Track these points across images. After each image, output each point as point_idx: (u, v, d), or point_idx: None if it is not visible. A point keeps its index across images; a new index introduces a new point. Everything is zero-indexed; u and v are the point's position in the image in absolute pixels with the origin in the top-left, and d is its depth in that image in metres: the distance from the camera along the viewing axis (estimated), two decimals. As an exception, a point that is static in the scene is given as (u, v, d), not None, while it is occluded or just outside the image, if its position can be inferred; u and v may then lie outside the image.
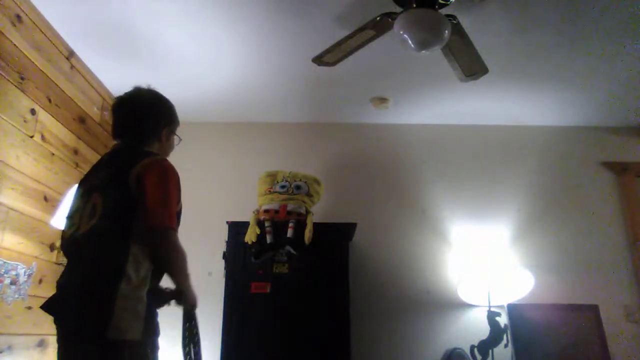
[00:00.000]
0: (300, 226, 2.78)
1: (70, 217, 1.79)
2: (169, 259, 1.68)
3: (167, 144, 1.97)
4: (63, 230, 1.81)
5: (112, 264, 1.61)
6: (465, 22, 2.24)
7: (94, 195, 1.71)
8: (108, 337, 1.51)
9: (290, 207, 2.85)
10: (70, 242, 1.73)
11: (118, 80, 3.03)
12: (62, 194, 2.63)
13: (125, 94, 1.95)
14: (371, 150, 3.59)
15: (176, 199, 1.76)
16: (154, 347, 1.70)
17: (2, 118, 2.18)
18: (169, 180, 1.73)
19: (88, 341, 1.56)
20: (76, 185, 1.89)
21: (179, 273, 1.70)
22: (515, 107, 3.36)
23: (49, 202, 2.53)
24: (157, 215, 1.66)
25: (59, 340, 1.66)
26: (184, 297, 1.72)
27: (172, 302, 1.75)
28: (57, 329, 1.66)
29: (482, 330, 2.92)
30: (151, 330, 1.68)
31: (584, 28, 2.50)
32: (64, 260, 1.76)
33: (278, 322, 2.72)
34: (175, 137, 2.01)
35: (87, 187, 1.79)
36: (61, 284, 1.71)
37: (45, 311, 1.67)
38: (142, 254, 1.65)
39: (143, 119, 1.89)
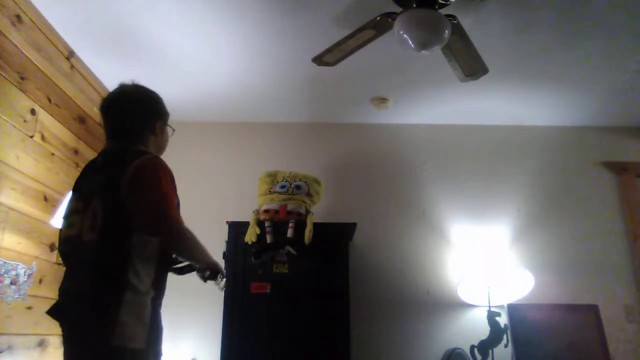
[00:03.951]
0: (300, 226, 2.78)
1: (67, 218, 1.77)
2: (186, 249, 1.72)
3: (162, 137, 1.95)
4: (60, 231, 1.80)
5: (116, 273, 1.60)
6: (465, 22, 2.24)
7: (94, 201, 1.69)
8: (113, 344, 1.52)
9: (290, 207, 2.85)
10: (72, 247, 1.72)
11: (118, 80, 2.99)
12: (62, 194, 2.62)
13: (112, 93, 1.93)
14: (371, 150, 3.59)
15: (173, 194, 1.74)
16: (157, 355, 1.70)
17: (2, 118, 2.18)
18: (162, 178, 1.71)
19: (93, 347, 1.57)
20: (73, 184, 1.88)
21: (201, 257, 1.77)
22: (515, 107, 3.36)
23: (49, 202, 2.53)
24: (160, 213, 1.64)
25: (64, 343, 1.66)
26: (214, 271, 1.80)
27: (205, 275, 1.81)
28: (63, 333, 1.67)
29: (482, 330, 2.92)
30: (155, 338, 1.67)
31: (583, 28, 2.50)
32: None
33: (278, 322, 2.72)
34: (169, 128, 1.99)
35: (85, 190, 1.77)
36: (65, 290, 1.70)
37: (52, 316, 1.67)
38: (143, 261, 1.64)
39: (134, 118, 1.87)
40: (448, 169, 3.52)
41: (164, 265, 1.77)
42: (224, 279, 1.83)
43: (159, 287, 1.73)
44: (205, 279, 1.81)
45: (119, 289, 1.58)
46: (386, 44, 2.39)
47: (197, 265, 1.80)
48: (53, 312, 1.68)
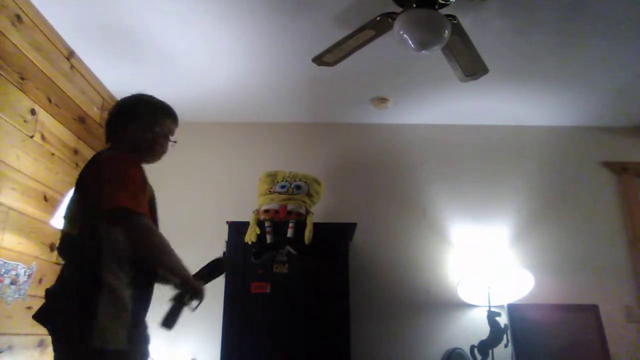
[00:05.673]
0: (300, 226, 2.79)
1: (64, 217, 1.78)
2: (149, 246, 1.59)
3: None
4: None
5: (91, 271, 1.57)
6: (465, 22, 2.24)
7: (77, 196, 1.71)
8: (92, 346, 1.48)
9: (290, 207, 2.85)
10: (61, 244, 1.73)
11: (118, 80, 3.03)
12: (62, 194, 2.63)
13: (125, 101, 1.92)
14: (371, 150, 3.59)
15: (138, 185, 1.65)
16: (143, 355, 1.67)
17: (2, 118, 2.18)
18: (123, 168, 1.65)
19: (73, 349, 1.54)
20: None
21: (171, 263, 1.60)
22: (515, 107, 3.36)
23: (49, 202, 2.53)
24: (112, 196, 1.55)
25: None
26: (185, 284, 1.61)
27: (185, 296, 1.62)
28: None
29: (482, 330, 2.91)
30: (138, 339, 1.63)
31: (583, 28, 2.50)
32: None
33: (278, 322, 2.72)
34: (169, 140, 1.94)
35: (75, 186, 1.77)
36: (47, 291, 1.67)
37: (37, 321, 1.63)
38: (117, 258, 1.60)
39: (130, 130, 1.84)
40: (448, 169, 3.52)
41: (144, 261, 1.68)
42: (198, 302, 1.66)
43: (139, 285, 1.67)
44: (182, 301, 1.62)
45: (95, 288, 1.54)
46: (386, 44, 2.39)
47: (171, 278, 1.66)
48: (37, 317, 1.63)
